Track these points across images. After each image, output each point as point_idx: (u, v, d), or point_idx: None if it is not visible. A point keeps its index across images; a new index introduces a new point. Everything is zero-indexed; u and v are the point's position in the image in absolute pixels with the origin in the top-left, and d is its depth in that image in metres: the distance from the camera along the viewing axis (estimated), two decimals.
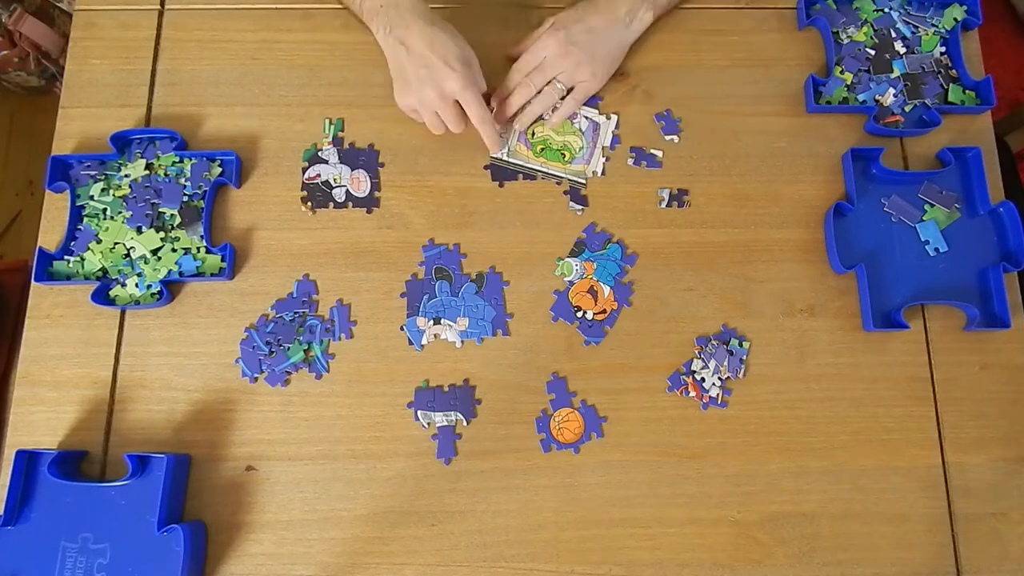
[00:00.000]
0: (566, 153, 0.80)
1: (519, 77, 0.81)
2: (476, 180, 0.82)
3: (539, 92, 0.81)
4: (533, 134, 0.81)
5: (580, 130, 0.82)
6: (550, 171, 0.80)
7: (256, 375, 0.75)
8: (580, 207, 0.80)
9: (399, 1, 0.76)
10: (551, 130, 0.81)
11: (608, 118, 0.82)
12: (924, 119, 0.84)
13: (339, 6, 0.86)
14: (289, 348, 0.76)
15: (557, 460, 0.74)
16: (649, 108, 0.84)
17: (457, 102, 0.76)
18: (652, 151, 0.82)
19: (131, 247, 0.78)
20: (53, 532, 0.68)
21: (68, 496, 0.69)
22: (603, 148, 0.81)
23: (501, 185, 0.81)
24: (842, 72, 0.85)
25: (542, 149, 0.80)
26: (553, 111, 0.82)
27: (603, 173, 0.81)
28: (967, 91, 0.85)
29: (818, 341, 0.78)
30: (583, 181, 0.80)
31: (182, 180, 0.80)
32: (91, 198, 0.79)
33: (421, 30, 0.74)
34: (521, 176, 0.81)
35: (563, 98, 0.82)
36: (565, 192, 0.81)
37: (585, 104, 0.82)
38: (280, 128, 0.83)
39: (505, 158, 0.80)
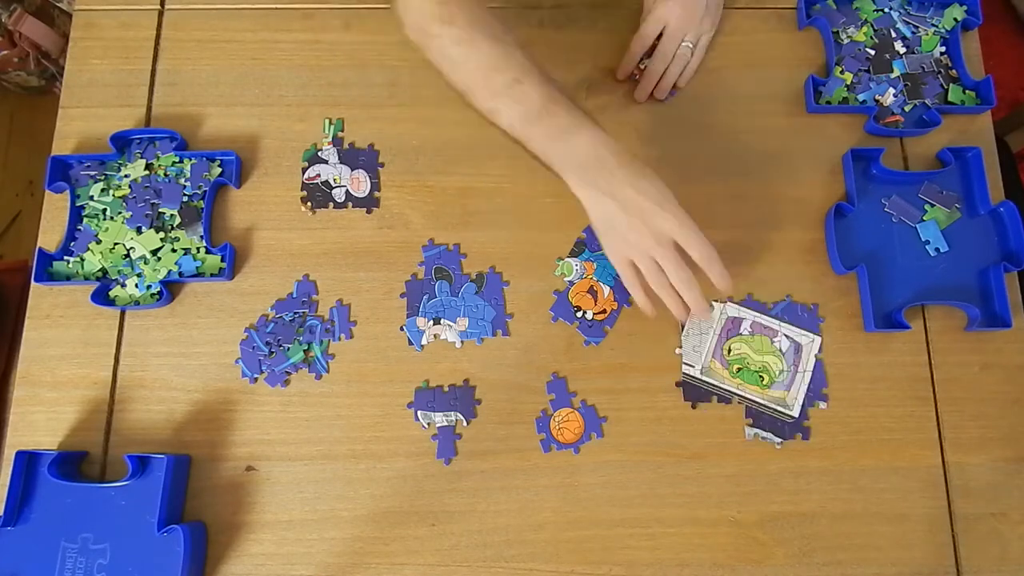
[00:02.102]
0: (764, 375, 0.75)
1: (644, 45, 0.82)
2: (476, 180, 0.82)
3: (673, 57, 0.82)
4: (730, 350, 0.75)
5: (780, 351, 0.76)
6: (747, 395, 0.75)
7: (256, 375, 0.75)
8: (778, 441, 0.74)
9: (602, 154, 0.66)
10: (749, 349, 0.75)
11: (811, 339, 0.75)
12: (924, 119, 0.84)
13: (340, 6, 0.86)
14: (289, 348, 0.76)
15: (557, 460, 0.74)
16: (649, 108, 0.84)
17: (676, 245, 0.66)
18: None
19: (131, 247, 0.78)
20: (53, 532, 0.68)
21: (68, 496, 0.69)
22: (805, 373, 0.75)
23: (694, 406, 0.75)
24: (842, 72, 0.85)
25: (739, 369, 0.75)
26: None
27: (805, 406, 0.74)
28: (967, 91, 0.85)
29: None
30: (785, 411, 0.74)
31: (182, 180, 0.80)
32: (91, 198, 0.79)
33: (627, 178, 0.65)
34: (715, 398, 0.75)
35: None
36: (754, 424, 0.74)
37: (785, 321, 0.76)
38: (280, 128, 0.83)
39: (700, 376, 0.75)
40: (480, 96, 0.66)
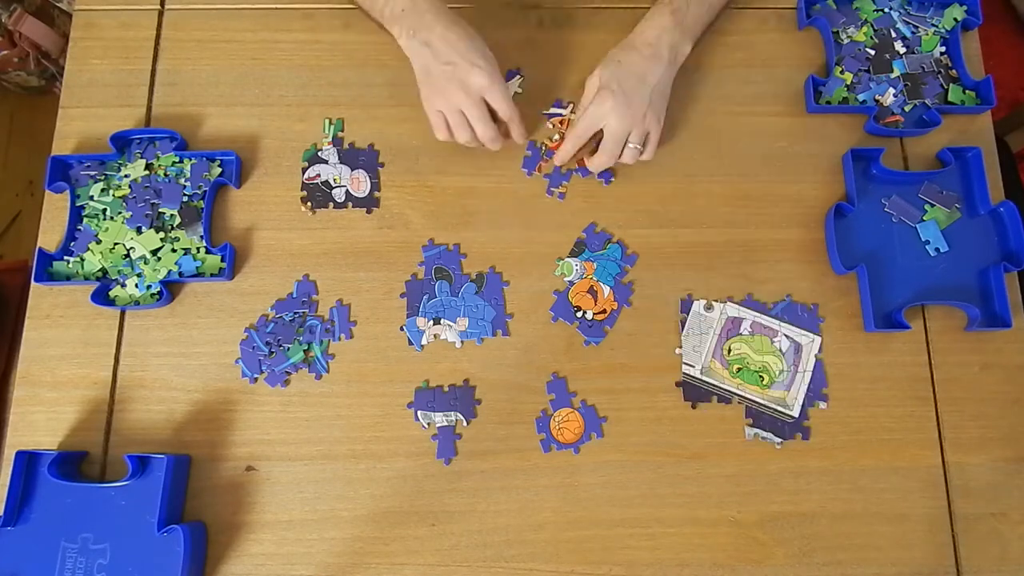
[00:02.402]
0: (764, 376, 0.75)
1: (575, 146, 0.77)
2: (476, 180, 0.82)
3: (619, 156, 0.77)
4: (730, 350, 0.75)
5: (780, 351, 0.76)
6: (747, 395, 0.75)
7: (256, 375, 0.75)
8: (778, 441, 0.74)
9: (419, 4, 0.75)
10: (749, 349, 0.75)
11: (811, 339, 0.76)
12: (924, 119, 0.84)
13: (340, 6, 0.86)
14: (289, 348, 0.76)
15: (557, 460, 0.74)
16: None
17: (484, 102, 0.74)
18: None
19: (131, 247, 0.78)
20: (53, 532, 0.68)
21: (68, 496, 0.69)
22: (805, 373, 0.75)
23: (694, 407, 0.75)
24: (842, 72, 0.85)
25: (738, 369, 0.75)
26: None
27: (805, 406, 0.75)
28: (967, 91, 0.85)
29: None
30: (785, 411, 0.74)
31: (182, 180, 0.80)
32: (91, 198, 0.79)
33: (444, 29, 0.73)
34: (715, 398, 0.75)
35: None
36: (754, 424, 0.75)
37: (785, 321, 0.77)
38: (280, 128, 0.83)
39: (700, 376, 0.75)
40: None
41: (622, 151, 0.77)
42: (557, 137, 0.83)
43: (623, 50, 0.78)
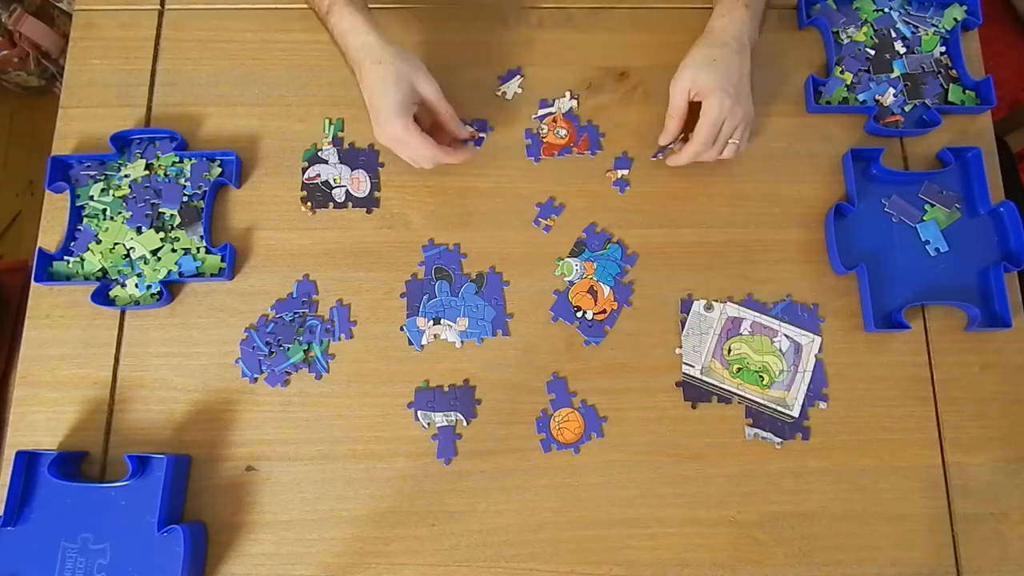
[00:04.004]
0: (764, 376, 0.75)
1: (702, 150, 0.76)
2: (476, 180, 0.82)
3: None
4: (730, 350, 0.76)
5: (780, 351, 0.76)
6: (747, 395, 0.75)
7: (256, 375, 0.75)
8: (779, 441, 0.74)
9: (363, 42, 0.73)
10: (749, 349, 0.76)
11: (811, 339, 0.76)
12: (924, 119, 0.84)
13: None
14: (289, 348, 0.76)
15: (557, 460, 0.74)
16: (649, 108, 0.84)
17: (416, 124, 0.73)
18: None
19: (131, 247, 0.78)
20: (53, 532, 0.68)
21: (68, 496, 0.69)
22: (805, 373, 0.75)
23: (694, 407, 0.75)
24: (842, 72, 0.85)
25: (739, 369, 0.75)
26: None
27: (805, 406, 0.75)
28: (967, 91, 0.85)
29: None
30: (785, 411, 0.74)
31: (182, 180, 0.80)
32: (91, 198, 0.79)
33: (368, 71, 0.72)
34: (715, 398, 0.75)
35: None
36: (754, 424, 0.75)
37: (785, 321, 0.77)
38: (280, 128, 0.83)
39: (700, 376, 0.75)
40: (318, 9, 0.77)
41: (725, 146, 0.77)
42: (546, 130, 0.83)
43: (714, 47, 0.76)
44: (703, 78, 0.74)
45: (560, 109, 0.84)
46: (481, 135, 0.82)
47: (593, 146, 0.83)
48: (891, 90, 0.84)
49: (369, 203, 0.81)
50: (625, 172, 0.82)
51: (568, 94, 0.85)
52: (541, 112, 0.84)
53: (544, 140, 0.83)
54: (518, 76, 0.85)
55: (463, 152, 0.78)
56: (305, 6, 0.86)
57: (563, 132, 0.83)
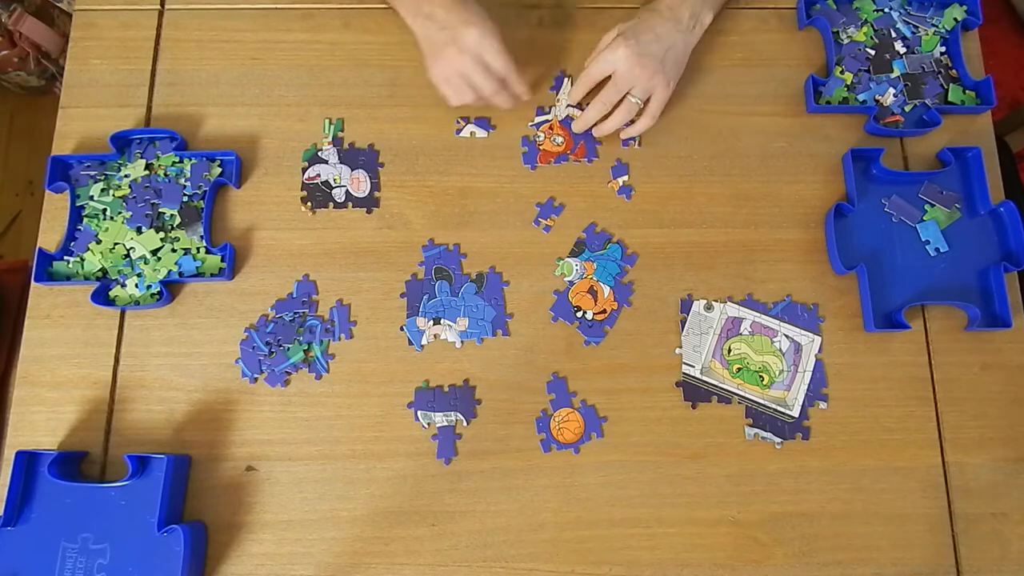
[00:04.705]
0: (764, 375, 0.75)
1: (585, 87, 0.80)
2: (476, 180, 0.82)
3: (614, 107, 0.79)
4: (729, 350, 0.76)
5: (780, 351, 0.76)
6: (747, 395, 0.75)
7: (256, 375, 0.75)
8: (779, 441, 0.74)
9: None
10: (749, 349, 0.76)
11: (811, 339, 0.76)
12: (924, 119, 0.84)
13: (340, 6, 0.86)
14: (289, 348, 0.76)
15: (557, 460, 0.74)
16: None
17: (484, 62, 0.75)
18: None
19: (131, 247, 0.78)
20: (53, 532, 0.68)
21: (68, 497, 0.69)
22: (805, 373, 0.75)
23: (694, 407, 0.75)
24: (842, 72, 0.85)
25: (739, 369, 0.75)
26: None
27: (805, 406, 0.75)
28: (967, 91, 0.85)
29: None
30: (785, 411, 0.74)
31: (182, 180, 0.80)
32: (91, 198, 0.79)
33: (444, 1, 0.74)
34: (715, 398, 0.75)
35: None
36: (754, 424, 0.75)
37: (785, 321, 0.77)
38: (280, 128, 0.83)
39: (700, 376, 0.75)
40: None
41: (621, 102, 0.78)
42: (542, 137, 0.83)
43: (645, 10, 0.79)
44: (619, 27, 0.78)
45: (557, 116, 0.84)
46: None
47: (590, 153, 0.83)
48: (891, 90, 0.84)
49: (369, 203, 0.81)
50: (625, 179, 0.82)
51: (563, 100, 0.84)
52: (538, 120, 0.84)
53: (541, 148, 0.83)
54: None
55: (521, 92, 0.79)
56: (305, 6, 0.87)
57: (560, 140, 0.83)
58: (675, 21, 0.78)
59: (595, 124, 0.81)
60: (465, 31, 0.73)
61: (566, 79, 0.85)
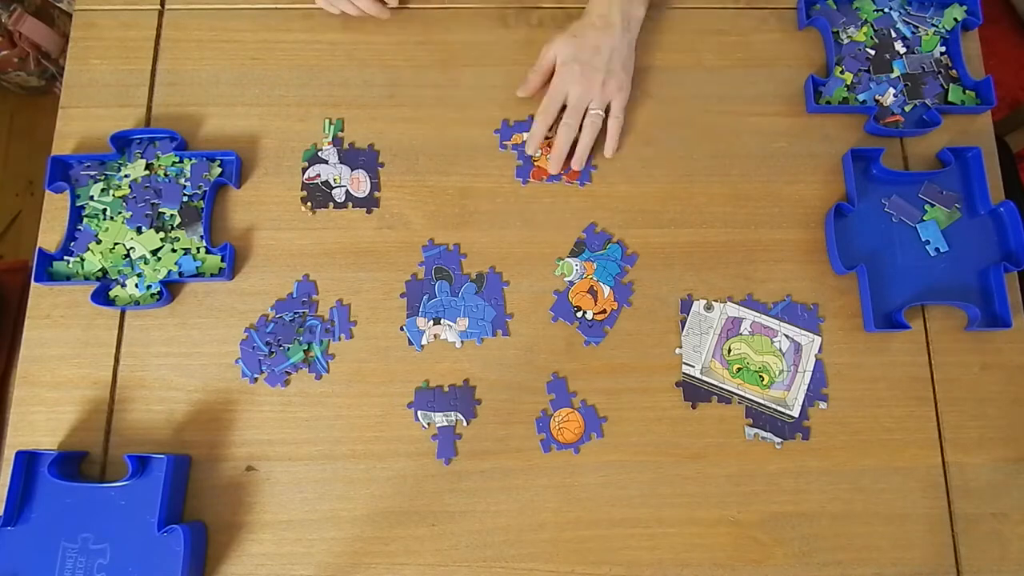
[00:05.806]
0: (764, 375, 0.75)
1: (547, 120, 0.80)
2: (476, 180, 0.82)
3: (581, 127, 0.80)
4: (730, 350, 0.76)
5: (780, 351, 0.76)
6: (747, 395, 0.75)
7: (256, 375, 0.75)
8: (779, 441, 0.74)
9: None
10: (749, 349, 0.76)
11: (811, 339, 0.76)
12: (924, 119, 0.84)
13: None
14: (289, 348, 0.76)
15: (557, 460, 0.74)
16: (649, 108, 0.84)
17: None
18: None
19: (131, 247, 0.78)
20: (53, 532, 0.68)
21: (68, 496, 0.69)
22: (805, 373, 0.76)
23: (694, 407, 0.75)
24: (842, 72, 0.85)
25: (739, 369, 0.75)
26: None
27: (805, 406, 0.75)
28: (967, 91, 0.85)
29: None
30: (785, 411, 0.74)
31: (182, 180, 0.80)
32: (91, 198, 0.79)
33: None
34: (715, 398, 0.75)
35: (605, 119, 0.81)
36: (754, 424, 0.75)
37: (785, 321, 0.77)
38: (280, 128, 0.83)
39: (700, 376, 0.75)
40: None
41: (583, 120, 0.80)
42: (539, 154, 0.82)
43: (579, 26, 0.81)
44: (558, 53, 0.80)
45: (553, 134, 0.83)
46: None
47: (583, 177, 0.82)
48: (891, 90, 0.84)
49: (369, 203, 0.81)
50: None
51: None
52: (523, 137, 0.83)
53: (535, 164, 0.82)
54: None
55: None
56: (305, 6, 0.87)
57: None
58: (608, 27, 0.80)
59: (569, 153, 0.80)
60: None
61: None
